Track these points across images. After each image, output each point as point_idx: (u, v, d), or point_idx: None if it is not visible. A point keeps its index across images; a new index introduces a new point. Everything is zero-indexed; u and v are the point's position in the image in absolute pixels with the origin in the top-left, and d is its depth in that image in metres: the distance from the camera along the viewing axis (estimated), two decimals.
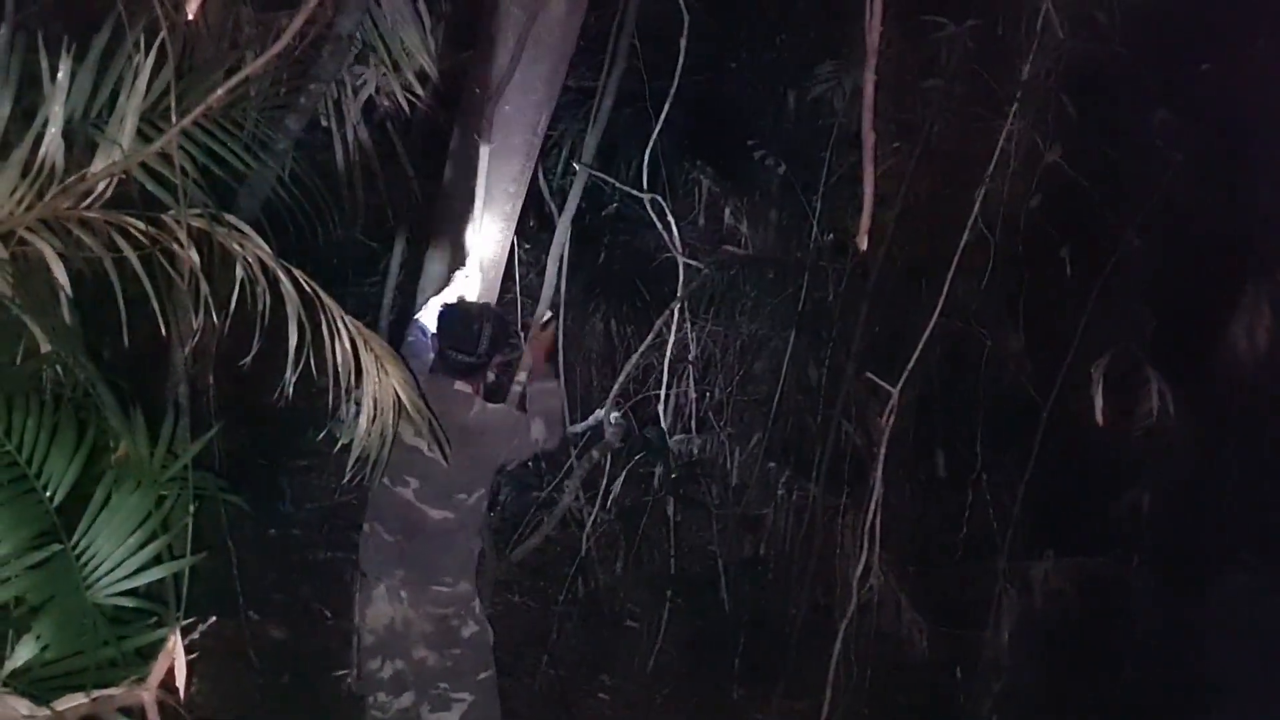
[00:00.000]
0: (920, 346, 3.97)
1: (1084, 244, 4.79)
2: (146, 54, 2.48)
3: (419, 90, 4.37)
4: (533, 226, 5.45)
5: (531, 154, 4.00)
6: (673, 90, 4.67)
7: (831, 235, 5.21)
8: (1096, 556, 4.91)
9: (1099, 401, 4.03)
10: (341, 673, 3.99)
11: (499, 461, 3.44)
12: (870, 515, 4.06)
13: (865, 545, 4.10)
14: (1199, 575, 4.61)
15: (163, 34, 2.35)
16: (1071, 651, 4.79)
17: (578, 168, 5.34)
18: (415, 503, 3.29)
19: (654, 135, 4.81)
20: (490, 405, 3.37)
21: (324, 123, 4.29)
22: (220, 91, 2.33)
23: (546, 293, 3.96)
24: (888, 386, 3.99)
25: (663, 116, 4.73)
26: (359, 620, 3.39)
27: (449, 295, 3.57)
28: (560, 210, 5.40)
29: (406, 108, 4.46)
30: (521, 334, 4.22)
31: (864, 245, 2.11)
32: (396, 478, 3.28)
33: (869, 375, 4.26)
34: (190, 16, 1.76)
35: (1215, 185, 4.61)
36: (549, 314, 3.86)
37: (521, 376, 3.68)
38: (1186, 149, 4.57)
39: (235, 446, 3.25)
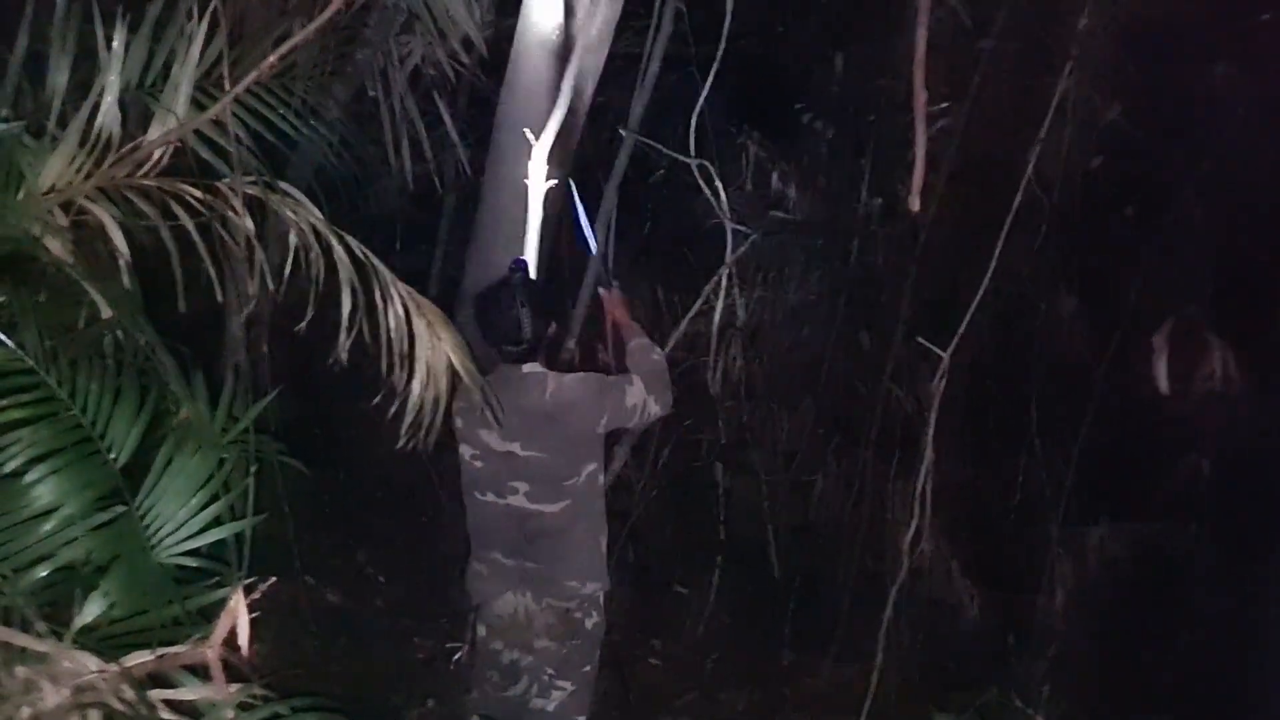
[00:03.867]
0: (971, 310, 3.92)
1: (1141, 204, 4.69)
2: (199, 22, 2.49)
3: (465, 59, 4.37)
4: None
5: (578, 122, 3.99)
6: (719, 55, 4.63)
7: (880, 199, 5.14)
8: (1153, 523, 4.84)
9: (1162, 369, 3.95)
10: (454, 646, 4.01)
11: (599, 431, 3.19)
12: (921, 481, 4.03)
13: (916, 511, 4.08)
14: (1258, 544, 4.51)
15: (215, 2, 2.37)
16: (1126, 619, 4.74)
17: (624, 134, 5.34)
18: (529, 506, 3.15)
19: (700, 100, 4.78)
20: (566, 377, 3.18)
21: (371, 92, 4.32)
22: (272, 59, 2.35)
23: (594, 265, 3.89)
24: (939, 351, 3.96)
25: (709, 82, 4.70)
26: (480, 603, 3.32)
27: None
28: (607, 177, 5.43)
29: (453, 76, 4.47)
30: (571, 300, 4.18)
31: (916, 206, 2.07)
32: (502, 489, 3.16)
33: (920, 340, 4.22)
34: None
35: (1277, 139, 4.47)
36: (614, 283, 3.74)
37: (570, 344, 3.64)
38: (1248, 103, 4.45)
39: (291, 412, 3.28)
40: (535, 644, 3.25)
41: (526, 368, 3.15)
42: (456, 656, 3.96)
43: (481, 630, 3.36)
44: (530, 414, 3.08)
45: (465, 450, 3.21)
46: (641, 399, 3.15)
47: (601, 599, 3.29)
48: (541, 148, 3.38)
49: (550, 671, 3.26)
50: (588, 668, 3.31)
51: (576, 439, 3.15)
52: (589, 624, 3.27)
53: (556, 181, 3.44)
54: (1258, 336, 4.54)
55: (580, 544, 3.23)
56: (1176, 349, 4.24)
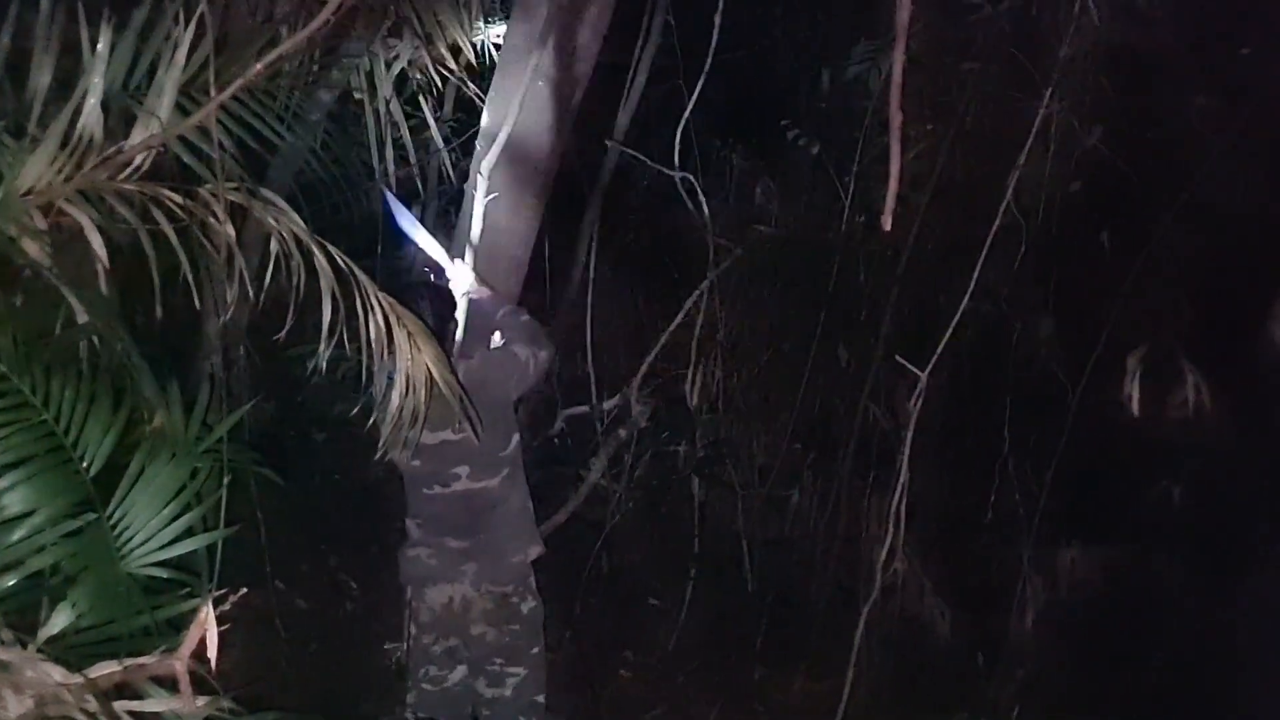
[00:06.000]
0: (950, 330, 3.95)
1: (1119, 229, 4.73)
2: (185, 27, 2.47)
3: (452, 63, 4.36)
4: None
5: (564, 130, 3.98)
6: (706, 68, 4.65)
7: (863, 217, 5.16)
8: (1124, 546, 4.87)
9: (1134, 393, 3.99)
10: (390, 646, 4.01)
11: (513, 398, 3.41)
12: (896, 498, 4.05)
13: (890, 528, 4.09)
14: (1229, 570, 4.56)
15: (202, 7, 2.35)
16: (1097, 641, 4.76)
17: (609, 145, 5.34)
18: (474, 485, 3.30)
19: (686, 113, 4.79)
20: (471, 360, 3.33)
21: (356, 95, 4.30)
22: (259, 66, 2.33)
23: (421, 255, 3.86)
24: (916, 371, 3.98)
25: (695, 94, 4.71)
26: (413, 597, 3.40)
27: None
28: (591, 187, 5.42)
29: (439, 81, 4.46)
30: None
31: (888, 226, 2.08)
32: (446, 478, 3.30)
33: (898, 359, 4.23)
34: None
35: (1255, 172, 4.53)
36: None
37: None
38: (1226, 134, 4.50)
39: (266, 418, 3.26)
40: (472, 630, 3.33)
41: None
42: (396, 656, 3.95)
43: (412, 628, 3.41)
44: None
45: (400, 457, 3.27)
46: (527, 355, 3.31)
47: (533, 583, 3.41)
48: (486, 162, 3.42)
49: (499, 660, 3.34)
50: (535, 649, 3.40)
51: (497, 411, 3.29)
52: (525, 609, 3.36)
53: (498, 195, 3.46)
54: (1232, 364, 4.59)
55: (519, 510, 3.40)
56: (1150, 374, 4.28)
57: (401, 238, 3.60)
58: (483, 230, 3.46)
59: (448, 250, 3.57)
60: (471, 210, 3.50)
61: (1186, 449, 4.71)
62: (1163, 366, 4.45)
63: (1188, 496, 4.83)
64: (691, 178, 4.94)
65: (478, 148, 4.11)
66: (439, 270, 3.51)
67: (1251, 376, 4.53)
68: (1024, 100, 4.38)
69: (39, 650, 2.23)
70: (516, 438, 3.41)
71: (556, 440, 5.41)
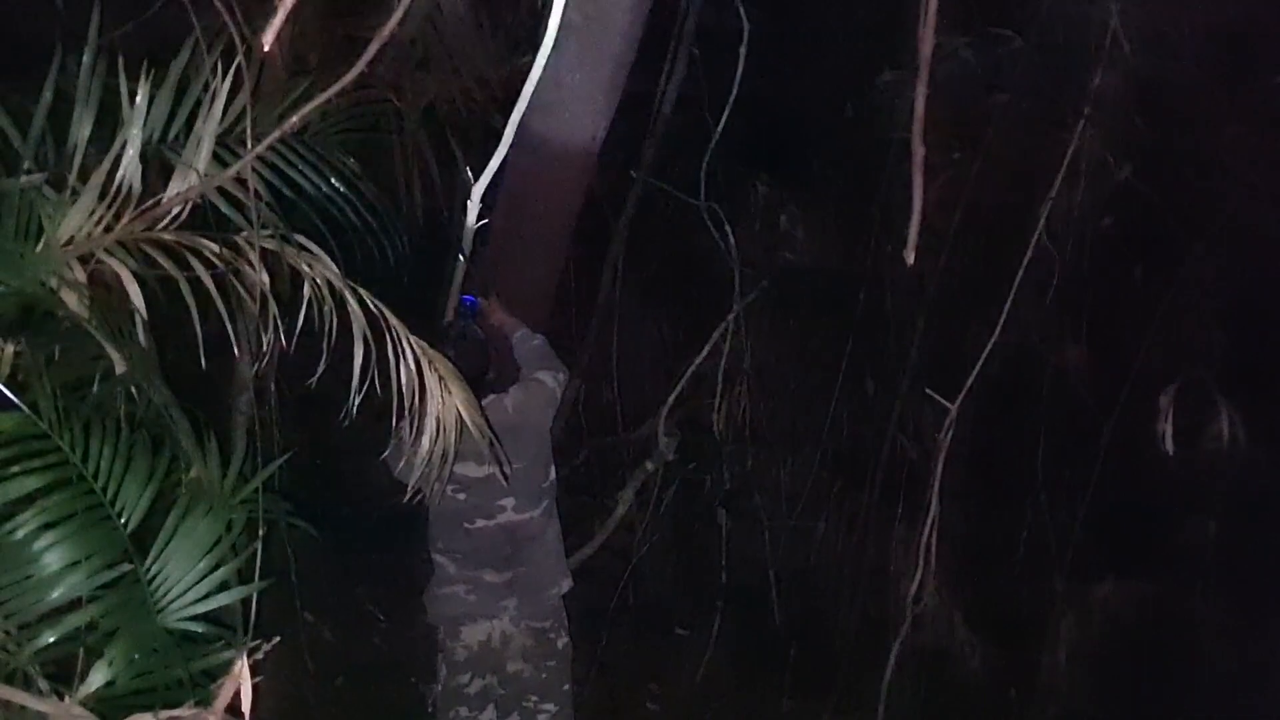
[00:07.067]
0: (980, 363, 3.92)
1: (1152, 262, 4.69)
2: (223, 79, 2.49)
3: (478, 96, 4.37)
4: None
5: (589, 163, 3.99)
6: (732, 98, 4.64)
7: (890, 247, 5.14)
8: (1158, 582, 4.82)
9: (1168, 426, 3.96)
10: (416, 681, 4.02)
11: (549, 425, 3.48)
12: (925, 531, 4.02)
13: (920, 561, 4.06)
14: (1265, 607, 4.50)
15: (239, 59, 2.36)
16: (1130, 678, 4.71)
17: (634, 175, 5.35)
18: (517, 517, 3.36)
19: (712, 143, 4.79)
20: (514, 391, 3.40)
21: (386, 132, 4.31)
22: (294, 119, 2.34)
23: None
24: (946, 403, 3.96)
25: (721, 124, 4.71)
26: (446, 635, 3.40)
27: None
28: (616, 216, 5.42)
29: (465, 113, 4.47)
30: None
31: (911, 259, 2.07)
32: (491, 510, 3.35)
33: (928, 391, 4.21)
34: (266, 47, 1.75)
35: None
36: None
37: None
38: (1259, 166, 4.46)
39: (299, 464, 3.28)
40: (508, 668, 3.36)
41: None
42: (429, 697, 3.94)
43: (444, 669, 3.41)
44: (502, 433, 3.20)
45: (432, 494, 3.25)
46: (553, 381, 3.42)
47: (565, 618, 3.49)
48: (477, 189, 3.43)
49: (534, 697, 3.38)
50: (566, 685, 3.47)
51: (539, 441, 3.41)
52: (560, 643, 3.44)
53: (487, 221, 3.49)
54: (1266, 397, 4.54)
55: (554, 542, 3.50)
56: (1183, 407, 4.24)
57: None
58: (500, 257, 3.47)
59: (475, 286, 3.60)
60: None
61: (1220, 483, 4.66)
62: (1196, 400, 4.41)
63: (1222, 531, 4.77)
64: (717, 207, 4.94)
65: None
66: (470, 309, 3.53)
67: None
68: (1055, 132, 4.35)
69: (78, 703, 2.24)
70: (553, 468, 3.48)
71: (583, 470, 5.40)
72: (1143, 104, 4.42)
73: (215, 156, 2.66)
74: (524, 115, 4.12)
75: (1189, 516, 4.87)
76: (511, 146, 4.04)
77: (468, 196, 5.00)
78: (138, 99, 2.47)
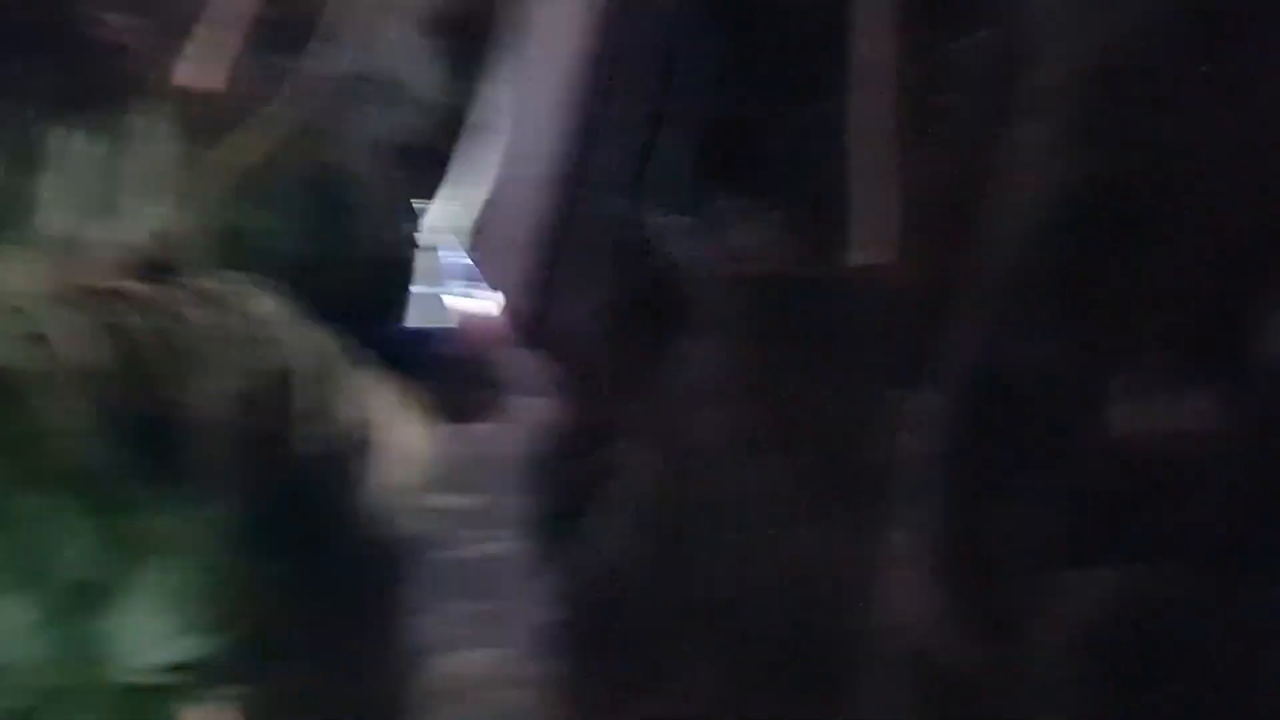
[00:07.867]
0: (956, 361, 3.93)
1: (1121, 250, 4.69)
2: (165, 125, 2.48)
3: (424, 123, 4.37)
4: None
5: (555, 186, 3.98)
6: (693, 109, 4.64)
7: (858, 252, 5.14)
8: (1145, 570, 4.79)
9: (1149, 415, 3.95)
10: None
11: (528, 455, 3.42)
12: (910, 534, 4.01)
13: (904, 563, 4.06)
14: (1253, 590, 4.49)
15: (187, 105, 2.36)
16: (1124, 669, 4.69)
17: (594, 192, 5.34)
18: (509, 544, 3.36)
19: (677, 155, 4.79)
20: (494, 415, 3.39)
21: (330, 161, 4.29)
22: (242, 161, 2.35)
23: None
24: (919, 402, 3.96)
25: (683, 135, 4.71)
26: (424, 669, 3.40)
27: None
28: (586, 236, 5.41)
29: (411, 141, 4.46)
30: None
31: (859, 259, 2.09)
32: (480, 537, 3.35)
33: (901, 391, 4.21)
34: (217, 88, 1.76)
35: (1258, 188, 4.48)
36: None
37: None
38: (1227, 150, 4.46)
39: (257, 505, 3.26)
40: (489, 698, 3.28)
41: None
42: None
43: (424, 701, 3.38)
44: (479, 462, 3.28)
45: (412, 526, 3.25)
46: (533, 404, 3.41)
47: (548, 644, 3.36)
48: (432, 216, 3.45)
49: None
50: (550, 712, 3.32)
51: (518, 469, 3.37)
52: (544, 670, 3.29)
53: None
54: (1244, 382, 4.54)
55: (540, 567, 3.38)
56: (1159, 394, 4.23)
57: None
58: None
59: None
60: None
61: (1203, 467, 4.65)
62: (1172, 385, 4.41)
63: (1208, 516, 4.75)
64: (682, 218, 4.93)
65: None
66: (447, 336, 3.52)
67: (1264, 392, 4.49)
68: (1015, 125, 4.36)
69: None
70: (535, 495, 3.43)
71: (560, 490, 5.37)
72: (1105, 91, 4.42)
73: (157, 200, 2.65)
74: (478, 141, 4.18)
75: (1175, 503, 4.85)
76: (468, 173, 4.09)
77: (418, 230, 5.06)
78: (85, 146, 2.46)
